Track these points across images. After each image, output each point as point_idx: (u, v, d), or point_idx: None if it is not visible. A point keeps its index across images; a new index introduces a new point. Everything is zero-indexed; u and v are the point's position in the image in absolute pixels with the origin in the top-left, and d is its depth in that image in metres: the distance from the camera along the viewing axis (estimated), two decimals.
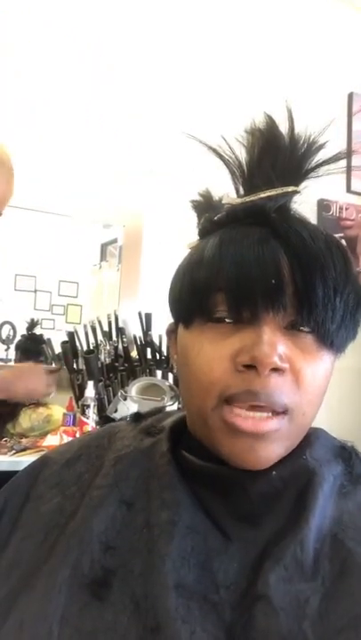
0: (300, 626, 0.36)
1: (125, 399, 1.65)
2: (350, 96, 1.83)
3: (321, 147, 0.47)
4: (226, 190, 0.52)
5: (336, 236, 0.44)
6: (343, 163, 0.48)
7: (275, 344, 0.40)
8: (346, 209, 1.77)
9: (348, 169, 0.47)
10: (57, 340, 1.98)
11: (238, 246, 0.42)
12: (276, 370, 0.40)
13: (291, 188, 0.46)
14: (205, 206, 0.54)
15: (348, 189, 1.76)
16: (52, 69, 1.82)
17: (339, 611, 0.36)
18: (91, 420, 1.60)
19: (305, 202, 0.49)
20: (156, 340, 1.87)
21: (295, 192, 0.47)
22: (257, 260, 0.41)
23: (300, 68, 1.65)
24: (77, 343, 1.89)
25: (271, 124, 0.47)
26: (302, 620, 0.36)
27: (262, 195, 0.46)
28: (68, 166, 1.94)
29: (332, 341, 0.43)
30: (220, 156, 0.49)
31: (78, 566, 0.41)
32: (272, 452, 0.42)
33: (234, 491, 0.44)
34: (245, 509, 0.43)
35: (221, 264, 0.42)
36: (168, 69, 1.81)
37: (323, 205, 1.74)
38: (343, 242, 1.73)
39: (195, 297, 0.43)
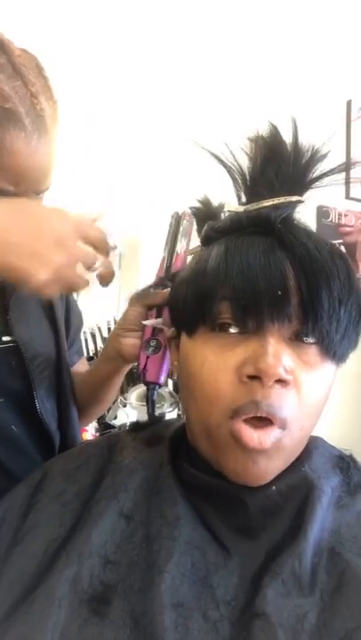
0: None
1: (125, 406, 1.65)
2: (349, 103, 1.84)
3: (324, 156, 0.47)
4: (226, 198, 0.52)
5: (335, 242, 0.44)
6: (343, 171, 0.48)
7: (280, 355, 0.40)
8: (345, 215, 1.77)
9: (348, 177, 0.47)
10: None
11: (244, 256, 0.42)
12: (280, 381, 0.40)
13: (295, 198, 0.46)
14: (205, 213, 0.53)
15: (348, 196, 1.76)
16: (52, 71, 1.83)
17: (337, 624, 0.36)
18: (90, 427, 1.59)
19: (304, 208, 0.49)
20: None
21: (299, 201, 0.47)
22: (263, 271, 0.40)
23: (298, 76, 1.65)
24: None
25: (274, 131, 0.47)
26: (300, 634, 0.36)
27: (266, 203, 0.46)
28: (67, 174, 1.94)
29: (335, 352, 0.43)
30: (223, 164, 0.49)
31: (78, 581, 0.41)
32: (273, 466, 0.42)
33: (233, 505, 0.44)
34: (245, 523, 0.43)
35: (227, 273, 0.41)
36: (170, 78, 1.82)
37: (322, 212, 1.74)
38: (343, 248, 1.74)
39: (199, 305, 0.43)
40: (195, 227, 0.58)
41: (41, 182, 0.61)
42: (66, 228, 0.48)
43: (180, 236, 0.63)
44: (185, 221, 0.63)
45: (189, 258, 0.55)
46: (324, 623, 0.36)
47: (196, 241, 0.58)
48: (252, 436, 0.40)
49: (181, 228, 0.63)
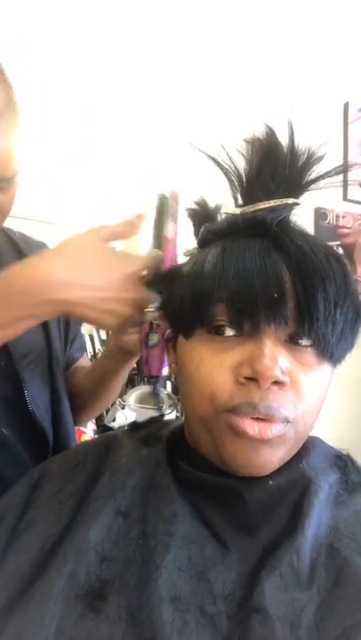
0: (296, 635, 0.36)
1: (123, 408, 1.65)
2: (346, 106, 1.85)
3: (320, 158, 0.47)
4: (223, 200, 0.52)
5: (333, 244, 0.44)
6: (340, 174, 0.49)
7: (276, 357, 0.40)
8: (342, 217, 1.77)
9: (345, 178, 0.48)
10: None
11: (240, 258, 0.42)
12: (276, 383, 0.40)
13: (291, 200, 0.46)
14: (202, 215, 0.54)
15: (345, 198, 1.76)
16: (51, 75, 1.83)
17: (334, 620, 0.36)
18: (89, 429, 1.59)
19: (302, 210, 0.49)
20: None
21: (295, 204, 0.47)
22: (259, 273, 0.41)
23: (296, 78, 1.66)
24: None
25: (271, 134, 0.48)
26: (298, 629, 0.36)
27: (262, 205, 0.46)
28: (67, 175, 1.95)
29: (331, 354, 0.43)
30: (220, 165, 0.49)
31: (74, 577, 0.41)
32: (275, 457, 0.43)
33: (231, 500, 0.44)
34: (243, 518, 0.43)
35: (223, 275, 0.42)
36: (169, 80, 1.83)
37: (319, 214, 1.74)
38: (340, 250, 1.74)
39: (196, 307, 0.43)
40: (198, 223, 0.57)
41: (1, 170, 0.58)
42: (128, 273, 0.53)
43: (167, 219, 0.60)
44: (172, 202, 0.60)
45: (187, 259, 0.54)
46: (322, 618, 0.36)
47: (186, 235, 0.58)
48: (251, 425, 0.40)
49: (169, 209, 0.60)
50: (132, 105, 1.90)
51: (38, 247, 0.79)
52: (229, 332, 0.42)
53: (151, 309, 0.61)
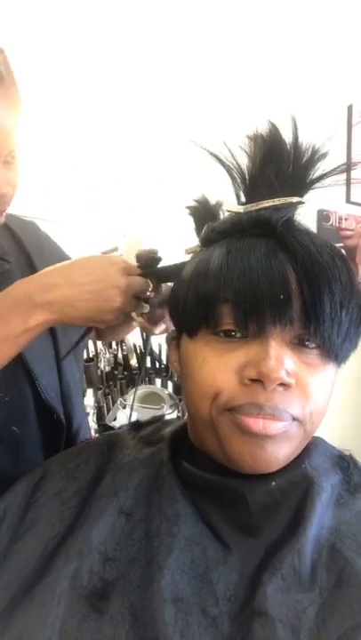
0: (298, 637, 0.36)
1: (125, 407, 1.65)
2: (350, 108, 1.85)
3: (323, 156, 0.47)
4: (225, 198, 0.52)
5: (336, 245, 0.44)
6: (344, 173, 0.49)
7: (281, 359, 0.40)
8: (345, 219, 1.77)
9: (348, 180, 0.48)
10: None
11: (246, 258, 0.42)
12: (282, 384, 0.40)
13: (295, 199, 0.46)
14: (203, 212, 0.53)
15: (348, 200, 1.76)
16: (51, 75, 1.84)
17: (336, 621, 0.36)
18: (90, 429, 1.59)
19: (305, 212, 0.49)
20: (156, 349, 1.87)
21: (300, 202, 0.47)
22: (265, 274, 0.41)
23: (299, 81, 1.66)
24: None
25: (274, 131, 0.48)
26: (299, 631, 0.36)
27: (266, 204, 0.46)
28: (69, 174, 1.95)
29: (336, 354, 0.43)
30: (222, 163, 0.49)
31: (77, 577, 0.41)
32: (281, 452, 0.42)
33: (234, 501, 0.44)
34: (245, 520, 0.43)
35: (229, 276, 0.42)
36: (172, 78, 1.83)
37: (322, 215, 1.74)
38: (343, 252, 1.74)
39: (201, 308, 0.43)
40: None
41: (7, 143, 0.57)
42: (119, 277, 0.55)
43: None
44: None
45: (188, 257, 0.54)
46: (323, 620, 0.36)
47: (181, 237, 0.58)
48: (256, 421, 0.40)
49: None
50: (133, 101, 1.91)
51: (28, 226, 0.82)
52: (235, 332, 0.42)
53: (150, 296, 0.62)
